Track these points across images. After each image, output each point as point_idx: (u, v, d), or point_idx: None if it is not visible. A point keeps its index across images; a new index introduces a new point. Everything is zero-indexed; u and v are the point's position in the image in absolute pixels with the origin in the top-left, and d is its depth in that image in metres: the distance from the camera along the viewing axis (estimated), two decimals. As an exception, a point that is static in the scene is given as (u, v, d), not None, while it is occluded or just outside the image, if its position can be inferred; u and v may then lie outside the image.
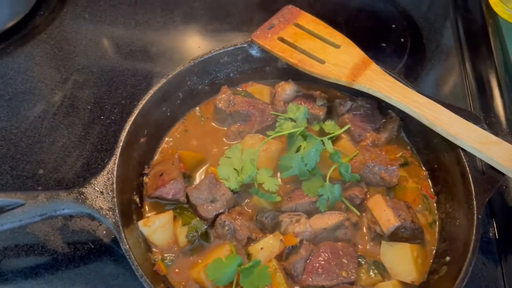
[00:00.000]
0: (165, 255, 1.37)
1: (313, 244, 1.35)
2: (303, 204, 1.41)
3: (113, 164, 1.35)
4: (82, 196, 1.29)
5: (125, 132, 1.41)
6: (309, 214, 1.40)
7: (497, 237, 1.52)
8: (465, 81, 1.96)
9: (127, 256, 1.21)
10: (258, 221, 1.42)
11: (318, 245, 1.34)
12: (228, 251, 1.31)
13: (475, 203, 1.32)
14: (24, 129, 1.71)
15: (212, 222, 1.41)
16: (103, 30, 2.05)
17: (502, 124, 1.78)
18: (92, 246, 1.45)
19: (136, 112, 1.45)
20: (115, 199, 1.29)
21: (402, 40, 2.08)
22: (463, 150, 1.41)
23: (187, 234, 1.36)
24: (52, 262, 1.42)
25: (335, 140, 1.58)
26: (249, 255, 1.35)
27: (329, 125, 1.58)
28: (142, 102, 1.48)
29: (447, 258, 1.33)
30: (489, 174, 1.38)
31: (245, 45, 1.65)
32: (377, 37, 2.08)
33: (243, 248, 1.37)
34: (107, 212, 1.28)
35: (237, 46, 1.65)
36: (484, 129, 1.43)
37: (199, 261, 1.35)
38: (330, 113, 1.66)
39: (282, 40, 1.63)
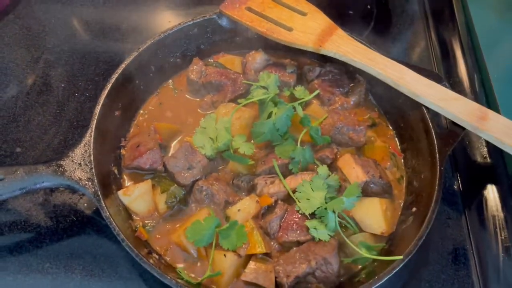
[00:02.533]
0: (146, 222, 1.42)
1: (287, 203, 1.42)
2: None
3: (89, 137, 1.38)
4: (60, 168, 1.32)
5: (99, 106, 1.44)
6: (283, 175, 1.46)
7: (461, 189, 1.61)
8: (430, 45, 2.02)
9: (108, 223, 1.25)
10: (234, 185, 1.47)
11: (292, 204, 1.41)
12: (207, 214, 1.36)
13: (437, 157, 1.40)
14: (-2, 109, 1.72)
15: (190, 189, 1.46)
16: (72, 9, 2.04)
17: (464, 84, 1.86)
18: (75, 219, 1.49)
19: (109, 85, 1.48)
20: (93, 170, 1.33)
21: (368, 7, 2.13)
22: (426, 107, 1.48)
23: (166, 200, 1.41)
24: (36, 236, 1.46)
25: (305, 105, 1.64)
26: (227, 217, 1.41)
27: (299, 91, 1.62)
28: (114, 76, 1.50)
29: (414, 209, 1.41)
30: (451, 129, 1.46)
31: (214, 16, 1.68)
32: (344, 5, 2.12)
33: (221, 211, 1.43)
34: (86, 182, 1.31)
35: (205, 18, 1.67)
36: (446, 87, 1.50)
37: (179, 225, 1.41)
38: (300, 80, 1.71)
39: (250, 9, 1.66)
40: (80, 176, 1.32)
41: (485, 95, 1.81)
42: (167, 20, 2.06)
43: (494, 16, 1.98)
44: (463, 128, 1.44)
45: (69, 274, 1.39)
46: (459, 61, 1.94)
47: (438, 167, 1.38)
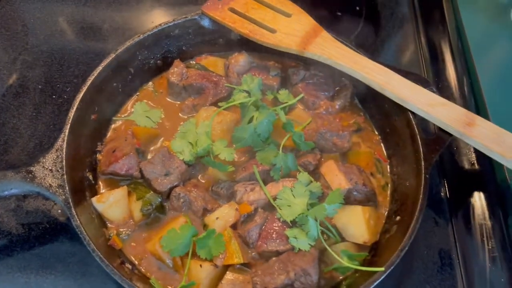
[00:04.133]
0: (121, 229, 1.37)
1: (267, 211, 1.37)
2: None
3: (62, 142, 1.33)
4: (30, 175, 1.27)
5: (74, 109, 1.38)
6: (264, 182, 1.41)
7: (448, 196, 1.57)
8: (419, 48, 1.98)
9: (78, 232, 1.21)
10: (213, 192, 1.43)
11: (272, 212, 1.36)
12: (183, 222, 1.32)
13: (423, 164, 1.36)
14: (-28, 111, 1.67)
15: (167, 196, 1.41)
16: (52, 8, 1.99)
17: (453, 88, 1.82)
18: (48, 226, 1.44)
19: (84, 89, 1.43)
20: (65, 176, 1.28)
21: (357, 8, 2.09)
22: (413, 113, 1.44)
23: (142, 208, 1.36)
24: (7, 243, 1.41)
25: (289, 109, 1.59)
26: (205, 226, 1.36)
27: (283, 94, 1.58)
28: (91, 79, 1.45)
29: (398, 218, 1.37)
30: (438, 136, 1.42)
31: (196, 17, 1.63)
32: (332, 6, 2.08)
33: (199, 219, 1.38)
34: (57, 189, 1.26)
35: (187, 18, 1.63)
36: (433, 91, 1.46)
37: (155, 233, 1.36)
38: (284, 83, 1.67)
39: (233, 10, 1.62)
40: (51, 183, 1.27)
41: (474, 100, 1.77)
42: (151, 21, 2.01)
43: (485, 19, 1.95)
44: (450, 135, 1.40)
45: (40, 283, 1.35)
46: (448, 65, 1.90)
47: (423, 174, 1.34)
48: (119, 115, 1.60)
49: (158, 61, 1.67)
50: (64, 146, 1.32)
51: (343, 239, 1.37)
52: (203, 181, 1.46)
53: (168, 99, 1.65)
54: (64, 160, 1.30)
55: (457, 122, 1.39)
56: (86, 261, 1.38)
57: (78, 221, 1.22)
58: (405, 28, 2.07)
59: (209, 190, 1.44)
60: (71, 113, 1.38)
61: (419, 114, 1.43)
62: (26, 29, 1.91)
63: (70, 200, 1.25)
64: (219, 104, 1.50)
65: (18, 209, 1.46)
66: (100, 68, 1.48)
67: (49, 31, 1.91)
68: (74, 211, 1.23)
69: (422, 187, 1.32)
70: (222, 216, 1.35)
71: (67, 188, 1.26)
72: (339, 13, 2.07)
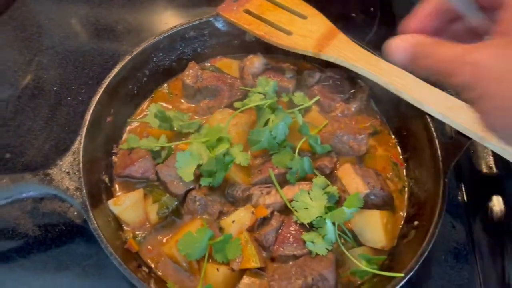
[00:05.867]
0: (137, 232, 1.37)
1: (284, 215, 1.36)
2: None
3: (78, 144, 1.33)
4: (47, 177, 1.27)
5: (90, 112, 1.38)
6: (280, 185, 1.40)
7: (465, 200, 1.56)
8: (435, 49, 1.96)
9: (96, 235, 1.20)
10: (229, 195, 1.42)
11: (289, 216, 1.35)
12: (199, 226, 1.31)
13: (441, 168, 1.34)
14: (-12, 113, 1.68)
15: (183, 198, 1.40)
16: (67, 9, 1.99)
17: (470, 90, 1.80)
18: (64, 228, 1.44)
19: (100, 91, 1.42)
20: (82, 179, 1.28)
21: (371, 9, 2.07)
22: (430, 116, 1.42)
23: (158, 211, 1.36)
24: (23, 245, 1.41)
25: (305, 111, 1.58)
26: (221, 229, 1.36)
27: (298, 97, 1.57)
28: (107, 81, 1.45)
29: (416, 222, 1.36)
30: (456, 139, 1.40)
31: (211, 19, 1.62)
32: (347, 7, 2.06)
33: (215, 222, 1.38)
34: (74, 192, 1.26)
35: (202, 20, 1.62)
36: (451, 94, 1.44)
37: (171, 236, 1.36)
38: (300, 85, 1.65)
39: (248, 12, 1.61)
40: (68, 186, 1.27)
41: (491, 102, 1.75)
42: (164, 22, 2.01)
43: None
44: (469, 138, 1.37)
45: (56, 285, 1.35)
46: (464, 66, 1.87)
47: (441, 179, 1.32)
48: (134, 117, 1.60)
49: (173, 63, 1.66)
50: (81, 148, 1.32)
51: (359, 244, 1.35)
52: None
53: (183, 101, 1.65)
54: (81, 163, 1.30)
55: (476, 126, 1.36)
56: (102, 263, 1.38)
57: (96, 224, 1.22)
58: (421, 28, 2.04)
59: (224, 193, 1.43)
60: (88, 116, 1.38)
61: (437, 117, 1.40)
62: (41, 30, 1.91)
63: (87, 203, 1.25)
64: (235, 105, 1.50)
65: (35, 211, 1.46)
66: (115, 70, 1.48)
67: (63, 32, 1.92)
68: (91, 214, 1.23)
69: (441, 192, 1.30)
70: (238, 220, 1.34)
71: (84, 190, 1.26)
72: (353, 14, 2.05)
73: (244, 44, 1.70)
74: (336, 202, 1.37)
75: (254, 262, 1.26)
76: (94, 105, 1.39)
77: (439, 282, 1.40)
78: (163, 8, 2.04)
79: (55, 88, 1.74)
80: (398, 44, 1.02)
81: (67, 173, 1.29)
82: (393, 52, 1.03)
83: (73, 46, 1.87)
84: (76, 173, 1.29)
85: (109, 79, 1.46)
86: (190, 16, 1.67)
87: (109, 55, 1.85)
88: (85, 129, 1.35)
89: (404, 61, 1.01)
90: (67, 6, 2.00)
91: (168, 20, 2.00)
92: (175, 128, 1.48)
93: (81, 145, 1.32)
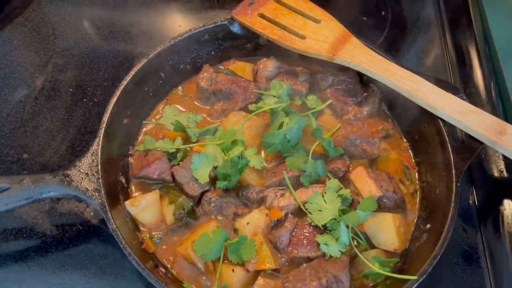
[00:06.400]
0: (153, 233, 1.39)
1: (298, 217, 1.38)
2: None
3: (97, 146, 1.35)
4: (67, 178, 1.30)
5: (108, 114, 1.41)
6: (294, 188, 1.42)
7: (476, 204, 1.57)
8: (446, 53, 1.98)
9: (115, 236, 1.23)
10: (243, 197, 1.44)
11: (302, 218, 1.37)
12: (215, 227, 1.33)
13: (454, 172, 1.36)
14: (6, 114, 1.70)
15: (199, 200, 1.43)
16: (82, 11, 2.02)
17: (481, 94, 1.81)
18: (81, 228, 1.46)
19: (118, 93, 1.45)
20: (101, 180, 1.30)
21: (383, 13, 2.09)
22: (443, 120, 1.43)
23: (174, 212, 1.38)
24: (41, 244, 1.44)
25: (318, 114, 1.60)
26: (235, 230, 1.38)
27: (312, 100, 1.59)
28: (124, 83, 1.47)
29: (428, 226, 1.37)
30: (468, 143, 1.41)
31: (225, 23, 1.65)
32: (358, 11, 2.07)
33: (229, 223, 1.40)
34: (93, 193, 1.29)
35: (217, 24, 1.64)
36: (463, 99, 1.45)
37: (187, 237, 1.38)
38: (313, 88, 1.67)
39: (262, 16, 1.63)
40: (87, 187, 1.29)
41: (502, 105, 1.76)
42: (178, 25, 2.03)
43: (513, 24, 1.94)
44: (481, 142, 1.39)
45: (74, 284, 1.37)
46: (475, 70, 1.89)
47: (454, 183, 1.34)
48: (149, 119, 1.62)
49: (188, 66, 1.69)
50: (99, 150, 1.34)
51: (372, 246, 1.37)
52: (233, 186, 1.48)
53: (197, 103, 1.67)
54: (99, 164, 1.33)
55: (488, 131, 1.39)
56: (118, 263, 1.40)
57: (114, 225, 1.24)
58: (431, 32, 2.06)
59: (239, 195, 1.45)
60: (105, 117, 1.40)
61: (450, 121, 1.43)
62: (56, 32, 1.94)
63: (106, 204, 1.27)
64: (250, 107, 1.52)
65: (52, 211, 1.49)
66: (132, 72, 1.50)
67: (79, 34, 1.94)
68: (110, 215, 1.25)
69: (453, 196, 1.31)
70: (253, 221, 1.36)
71: (103, 191, 1.29)
72: (365, 18, 2.07)
73: (257, 47, 1.73)
74: (349, 205, 1.38)
75: (269, 264, 1.28)
76: (111, 107, 1.42)
77: (450, 285, 1.41)
78: (177, 11, 2.06)
79: (71, 90, 1.77)
80: None
81: (86, 174, 1.31)
82: None
83: (88, 48, 1.90)
84: (95, 174, 1.31)
85: (126, 81, 1.48)
86: (204, 19, 1.69)
87: (124, 57, 1.88)
88: (103, 130, 1.37)
89: None
90: (82, 8, 2.03)
91: (182, 23, 2.02)
92: (192, 140, 1.49)
93: (99, 147, 1.35)
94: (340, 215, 1.32)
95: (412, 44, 2.04)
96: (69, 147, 1.63)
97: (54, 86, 1.78)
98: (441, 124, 1.44)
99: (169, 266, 1.35)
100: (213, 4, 2.07)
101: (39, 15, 1.99)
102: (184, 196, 1.40)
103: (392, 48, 1.98)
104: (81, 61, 1.86)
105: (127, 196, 1.44)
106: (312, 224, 1.33)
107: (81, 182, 1.30)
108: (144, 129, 1.60)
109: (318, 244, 1.30)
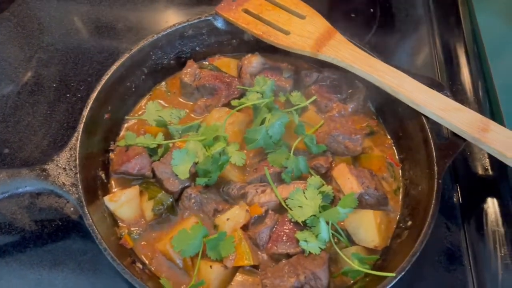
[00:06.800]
0: (132, 229, 1.38)
1: (278, 213, 1.37)
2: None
3: (75, 141, 1.34)
4: (44, 173, 1.28)
5: (87, 109, 1.40)
6: (275, 184, 1.40)
7: (460, 202, 1.56)
8: (434, 51, 1.96)
9: (91, 231, 1.22)
10: (224, 193, 1.43)
11: (283, 215, 1.36)
12: (194, 223, 1.32)
13: (436, 169, 1.35)
14: (-12, 109, 1.69)
15: (179, 196, 1.41)
16: (68, 7, 2.01)
17: (468, 92, 1.80)
18: (60, 223, 1.45)
19: (98, 88, 1.44)
20: (78, 175, 1.29)
21: (371, 10, 2.08)
22: (426, 117, 1.42)
23: (153, 207, 1.37)
24: (20, 240, 1.43)
25: (302, 111, 1.59)
26: (216, 226, 1.37)
27: (296, 96, 1.58)
28: (105, 78, 1.46)
29: (409, 223, 1.36)
30: (451, 140, 1.40)
31: (209, 18, 1.64)
32: (347, 8, 2.07)
33: (209, 219, 1.39)
34: (70, 188, 1.27)
35: (201, 19, 1.63)
36: (447, 96, 1.44)
37: (166, 234, 1.36)
38: (297, 85, 1.66)
39: (247, 11, 1.62)
40: (64, 181, 1.28)
41: (489, 104, 1.76)
42: (165, 20, 2.02)
43: (501, 23, 1.93)
44: (464, 140, 1.38)
45: (52, 280, 1.36)
46: (463, 68, 1.88)
47: (436, 179, 1.33)
48: (132, 114, 1.61)
49: (171, 61, 1.68)
50: (78, 145, 1.33)
51: (353, 243, 1.36)
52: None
53: (181, 99, 1.66)
54: (77, 159, 1.31)
55: (471, 127, 1.37)
56: (97, 259, 1.39)
57: (91, 220, 1.23)
58: (420, 31, 2.05)
59: (219, 191, 1.44)
60: (85, 112, 1.39)
61: (433, 118, 1.42)
62: (42, 27, 1.93)
63: (83, 199, 1.26)
64: (232, 103, 1.50)
65: (32, 206, 1.48)
66: (114, 67, 1.49)
67: (64, 29, 1.93)
68: (86, 210, 1.24)
69: (434, 192, 1.31)
70: (233, 218, 1.35)
71: (80, 186, 1.28)
72: (353, 15, 2.06)
73: (242, 43, 1.71)
74: (331, 202, 1.37)
75: (247, 260, 1.27)
76: (92, 102, 1.41)
77: (432, 283, 1.40)
78: (164, 6, 2.05)
79: (54, 85, 1.76)
80: None
81: (63, 169, 1.30)
82: None
83: (74, 43, 1.89)
84: (73, 169, 1.30)
85: (107, 76, 1.47)
86: (191, 15, 1.67)
87: (109, 52, 1.87)
88: (82, 125, 1.36)
89: None
90: (68, 3, 2.02)
91: (169, 19, 2.01)
92: (175, 138, 1.47)
93: (78, 141, 1.34)
94: (320, 212, 1.31)
95: (401, 42, 2.03)
96: (50, 143, 1.62)
97: (37, 81, 1.77)
98: (424, 120, 1.43)
99: (147, 262, 1.33)
100: (201, 0, 2.05)
101: (24, 10, 1.98)
102: (163, 192, 1.39)
103: (380, 46, 1.97)
104: (65, 56, 1.85)
105: (107, 191, 1.43)
106: (293, 220, 1.32)
107: (58, 176, 1.29)
108: (126, 125, 1.58)
109: (298, 241, 1.29)
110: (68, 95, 1.73)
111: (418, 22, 2.08)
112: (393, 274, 1.18)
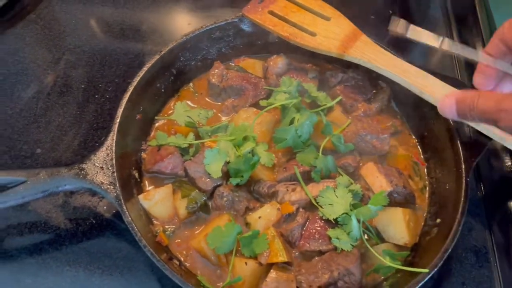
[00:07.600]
0: (166, 226, 1.40)
1: (309, 211, 1.40)
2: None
3: (111, 140, 1.37)
4: (82, 172, 1.32)
5: (122, 109, 1.43)
6: (305, 183, 1.43)
7: (484, 200, 1.58)
8: (453, 51, 1.99)
9: (130, 228, 1.24)
10: (255, 192, 1.46)
11: (313, 212, 1.39)
12: (227, 220, 1.35)
13: (463, 167, 1.37)
14: (19, 109, 1.72)
15: (211, 194, 1.44)
16: (93, 9, 2.04)
17: (488, 91, 1.82)
18: (94, 222, 1.48)
19: (131, 88, 1.47)
20: (115, 174, 1.32)
21: (390, 11, 2.10)
22: (451, 117, 1.45)
23: (187, 206, 1.40)
24: (55, 238, 1.45)
25: (327, 111, 1.61)
26: (247, 224, 1.39)
27: (321, 97, 1.61)
28: (137, 79, 1.49)
29: (438, 220, 1.39)
30: (476, 139, 1.43)
31: (236, 20, 1.67)
32: (366, 9, 2.09)
33: (241, 217, 1.41)
34: (108, 186, 1.31)
35: (228, 21, 1.66)
36: (471, 95, 1.46)
37: (199, 231, 1.40)
38: (322, 85, 1.69)
39: (272, 13, 1.64)
40: (102, 180, 1.31)
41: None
42: (187, 22, 2.05)
43: (519, 22, 1.95)
44: (489, 138, 1.41)
45: (88, 277, 1.39)
46: (482, 69, 1.90)
47: (463, 178, 1.36)
48: (161, 114, 1.64)
49: (198, 63, 1.71)
50: (114, 144, 1.36)
51: (382, 241, 1.39)
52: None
53: (208, 100, 1.69)
54: (114, 158, 1.34)
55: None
56: (131, 257, 1.41)
57: (130, 218, 1.25)
58: (438, 31, 2.08)
59: (250, 190, 1.47)
60: (119, 112, 1.42)
61: (459, 118, 1.44)
62: (68, 29, 1.96)
63: (121, 197, 1.29)
64: (261, 103, 1.53)
65: (66, 205, 1.50)
66: (145, 68, 1.52)
67: (89, 32, 1.97)
68: (125, 208, 1.27)
69: (463, 191, 1.33)
70: (264, 216, 1.38)
71: (117, 185, 1.30)
72: (373, 17, 2.09)
73: (267, 44, 1.74)
74: (360, 200, 1.40)
75: (281, 257, 1.29)
76: (125, 102, 1.44)
77: (460, 279, 1.43)
78: (186, 9, 2.08)
79: (83, 86, 1.79)
80: (446, 102, 1.11)
81: (100, 168, 1.33)
82: (443, 110, 1.14)
83: (100, 45, 1.92)
84: (110, 168, 1.33)
85: (139, 77, 1.50)
86: (213, 17, 1.71)
87: (135, 54, 1.90)
88: (117, 125, 1.39)
89: (454, 117, 1.11)
90: (93, 6, 2.05)
91: (192, 21, 2.04)
92: (204, 139, 1.50)
93: (114, 141, 1.37)
94: (351, 210, 1.33)
95: (419, 43, 2.05)
96: (81, 142, 1.65)
97: (66, 83, 1.80)
98: (450, 120, 1.45)
99: (182, 259, 1.36)
100: (223, 2, 2.08)
101: (50, 13, 2.01)
102: (196, 190, 1.42)
103: (399, 46, 1.99)
104: (92, 58, 1.88)
105: (141, 190, 1.46)
106: (324, 218, 1.35)
107: (96, 175, 1.32)
108: (156, 125, 1.62)
109: (330, 238, 1.32)
110: (96, 96, 1.76)
111: (436, 23, 2.10)
112: (427, 270, 1.21)
